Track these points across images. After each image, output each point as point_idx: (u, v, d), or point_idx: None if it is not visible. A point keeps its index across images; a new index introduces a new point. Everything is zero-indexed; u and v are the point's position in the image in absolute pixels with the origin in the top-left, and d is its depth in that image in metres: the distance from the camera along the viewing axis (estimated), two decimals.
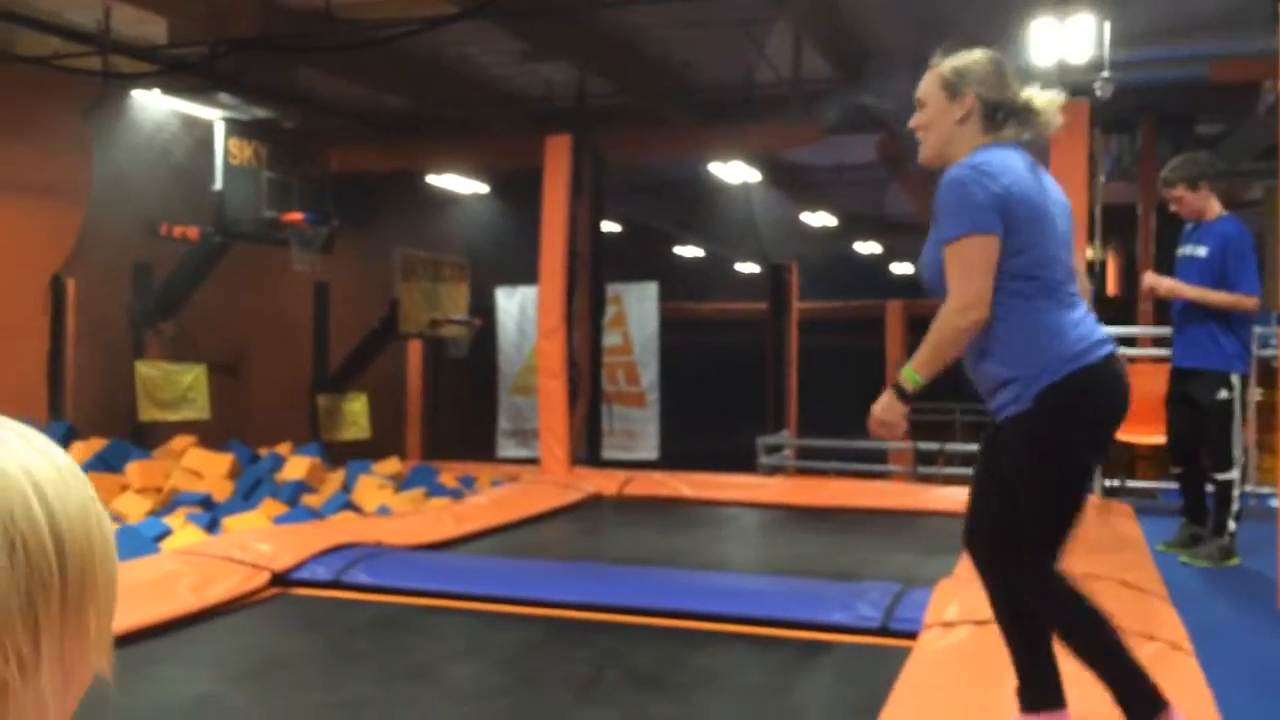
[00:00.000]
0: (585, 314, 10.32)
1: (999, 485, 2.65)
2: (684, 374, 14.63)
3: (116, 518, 7.36)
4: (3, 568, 0.57)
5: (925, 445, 9.93)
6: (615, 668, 3.98)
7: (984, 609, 3.93)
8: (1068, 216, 2.66)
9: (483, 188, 13.60)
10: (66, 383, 10.56)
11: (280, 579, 5.07)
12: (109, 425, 10.15)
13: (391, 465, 9.68)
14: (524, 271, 12.98)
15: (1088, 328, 2.55)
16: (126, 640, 4.12)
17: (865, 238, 18.05)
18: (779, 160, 13.57)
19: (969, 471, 3.31)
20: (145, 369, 10.77)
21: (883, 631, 4.26)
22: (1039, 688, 2.78)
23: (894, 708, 3.23)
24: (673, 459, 11.73)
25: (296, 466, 8.86)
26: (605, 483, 8.67)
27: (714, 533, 7.38)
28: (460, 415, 14.62)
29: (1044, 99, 2.62)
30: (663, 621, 4.56)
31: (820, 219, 15.61)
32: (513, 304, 13.95)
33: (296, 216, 10.69)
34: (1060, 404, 2.47)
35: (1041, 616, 2.71)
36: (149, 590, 4.46)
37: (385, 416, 13.24)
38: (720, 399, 15.85)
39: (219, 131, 10.02)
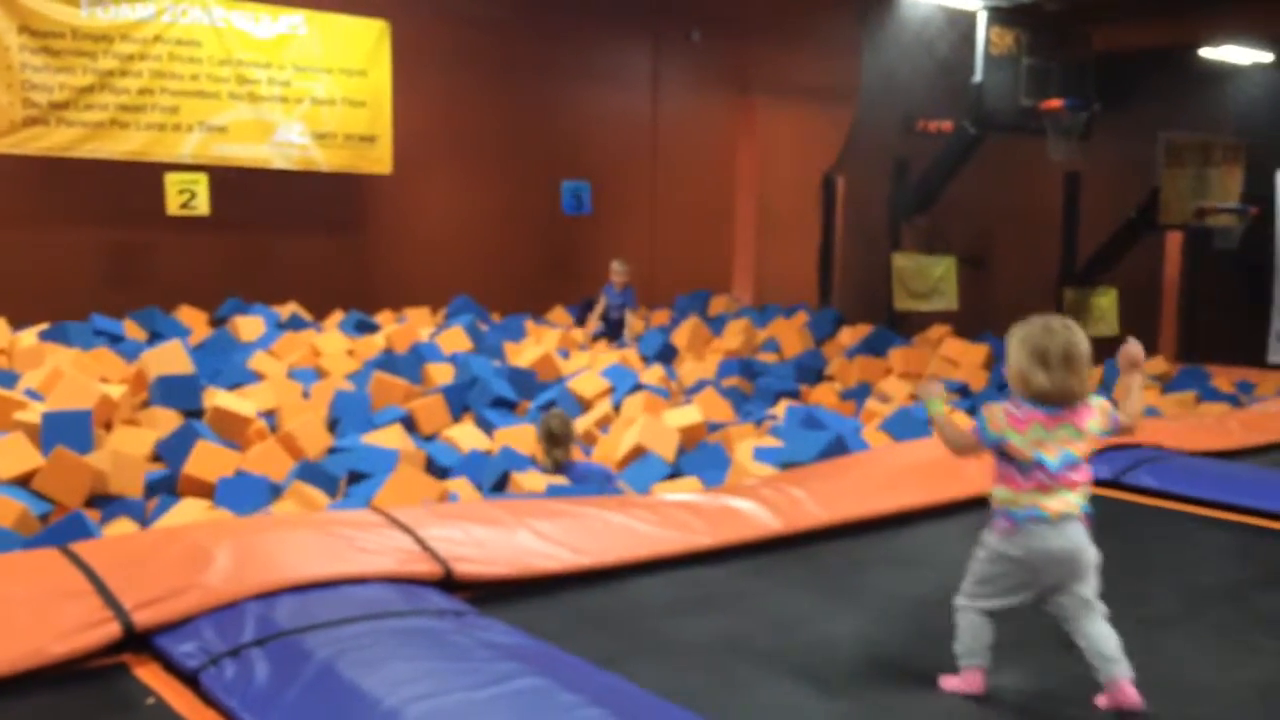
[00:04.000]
0: None
1: None
2: None
3: (883, 397, 7.89)
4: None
5: None
6: None
7: None
8: None
9: (1266, 56, 11.91)
10: (834, 273, 11.54)
11: None
12: (868, 313, 10.88)
13: (1158, 365, 9.09)
14: None
15: None
16: (932, 514, 4.41)
17: None
18: None
19: None
20: (901, 261, 11.33)
21: None
22: None
23: None
24: None
25: None
26: None
27: None
28: (1224, 316, 13.21)
29: None
30: None
31: None
32: None
33: (1055, 104, 10.33)
34: None
35: None
36: (944, 468, 4.70)
37: (1135, 313, 12.45)
38: None
39: (981, 21, 10.00)
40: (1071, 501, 2.63)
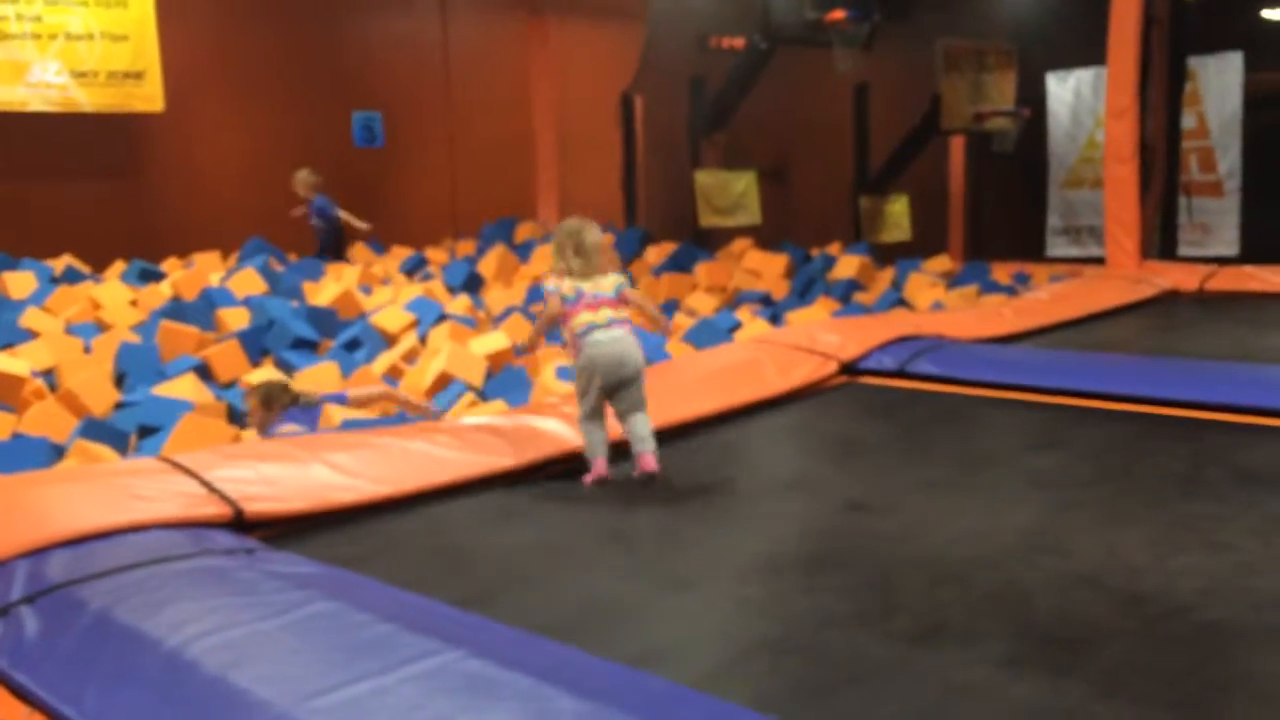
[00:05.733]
0: (1160, 91, 9.17)
1: None
2: (1273, 158, 12.65)
3: (690, 312, 8.03)
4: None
5: None
6: (1218, 465, 3.66)
7: None
8: None
9: None
10: (639, 193, 11.60)
11: (848, 368, 5.25)
12: (674, 230, 11.01)
13: (942, 263, 9.54)
14: (1081, 52, 11.83)
15: None
16: (731, 416, 4.54)
17: None
18: None
19: None
20: (703, 178, 11.46)
21: None
22: None
23: None
24: (1257, 255, 10.31)
25: (847, 265, 9.04)
26: (1183, 277, 7.86)
27: None
28: (1006, 214, 13.97)
29: None
30: (1269, 421, 4.11)
31: None
32: (1066, 89, 12.84)
33: (839, 15, 10.56)
34: None
35: None
36: (741, 372, 4.83)
37: (927, 217, 13.02)
38: None
39: None
40: (612, 315, 3.68)
